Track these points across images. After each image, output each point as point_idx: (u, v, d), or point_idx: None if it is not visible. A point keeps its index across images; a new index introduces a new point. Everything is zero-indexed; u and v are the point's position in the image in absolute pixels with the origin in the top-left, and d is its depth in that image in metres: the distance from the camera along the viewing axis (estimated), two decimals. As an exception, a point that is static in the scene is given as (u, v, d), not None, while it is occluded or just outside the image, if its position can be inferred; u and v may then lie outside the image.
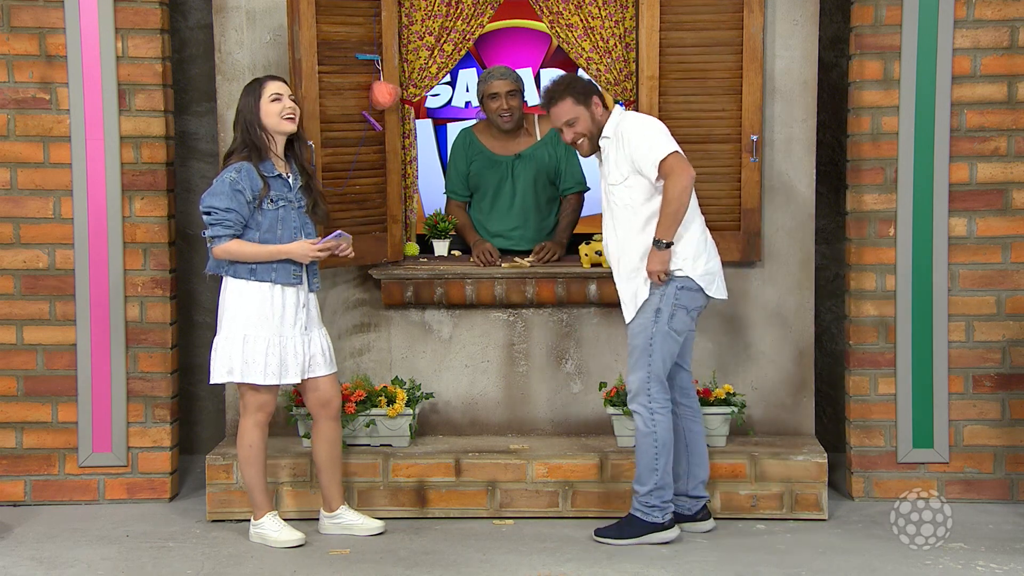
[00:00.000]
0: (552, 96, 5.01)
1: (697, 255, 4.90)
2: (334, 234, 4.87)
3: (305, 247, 4.84)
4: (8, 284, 5.52)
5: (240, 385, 4.92)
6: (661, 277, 4.85)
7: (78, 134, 5.48)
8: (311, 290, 4.97)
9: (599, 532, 5.03)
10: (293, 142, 4.97)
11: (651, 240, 4.85)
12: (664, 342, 4.90)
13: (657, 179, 4.83)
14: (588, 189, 5.93)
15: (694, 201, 4.93)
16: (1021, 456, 5.48)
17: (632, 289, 4.96)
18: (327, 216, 5.05)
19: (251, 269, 4.84)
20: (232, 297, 4.88)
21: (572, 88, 4.98)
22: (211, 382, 4.94)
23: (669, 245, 4.82)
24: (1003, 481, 5.49)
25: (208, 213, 4.81)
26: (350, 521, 5.11)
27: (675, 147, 4.84)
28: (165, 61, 5.52)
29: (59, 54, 5.44)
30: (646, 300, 4.90)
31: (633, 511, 4.98)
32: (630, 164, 4.88)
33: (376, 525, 5.10)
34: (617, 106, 5.09)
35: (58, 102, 5.47)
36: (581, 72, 6.01)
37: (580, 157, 5.41)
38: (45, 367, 5.54)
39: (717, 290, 4.98)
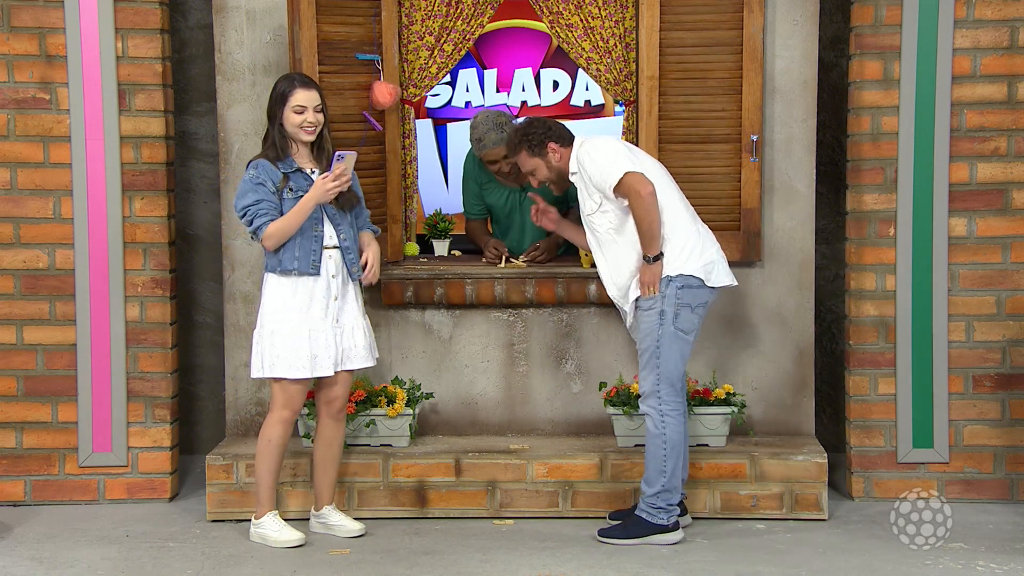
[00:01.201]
0: (510, 147, 5.23)
1: (690, 251, 4.91)
2: (335, 157, 4.84)
3: (318, 182, 4.82)
4: (8, 284, 5.52)
5: (269, 380, 4.94)
6: (652, 289, 4.88)
7: (78, 134, 5.47)
8: (353, 279, 4.97)
9: (603, 532, 5.02)
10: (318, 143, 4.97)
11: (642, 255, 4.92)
12: (672, 343, 4.90)
13: (619, 199, 4.91)
14: None
15: (676, 201, 4.97)
16: (1021, 456, 5.48)
17: (626, 291, 5.03)
18: (353, 205, 4.99)
19: (278, 260, 4.86)
20: (264, 291, 4.93)
21: (527, 140, 5.10)
22: (251, 376, 4.99)
23: (658, 257, 4.87)
24: (1003, 481, 5.49)
25: (243, 214, 4.84)
26: (332, 522, 5.11)
27: (626, 167, 4.86)
28: (165, 61, 5.52)
29: (59, 54, 5.44)
30: (650, 303, 4.91)
31: (639, 512, 4.98)
32: (597, 191, 4.94)
33: (356, 527, 5.09)
34: (577, 138, 5.11)
35: (58, 102, 5.47)
36: (582, 72, 5.99)
37: None
38: (45, 367, 5.54)
39: (719, 278, 4.97)
